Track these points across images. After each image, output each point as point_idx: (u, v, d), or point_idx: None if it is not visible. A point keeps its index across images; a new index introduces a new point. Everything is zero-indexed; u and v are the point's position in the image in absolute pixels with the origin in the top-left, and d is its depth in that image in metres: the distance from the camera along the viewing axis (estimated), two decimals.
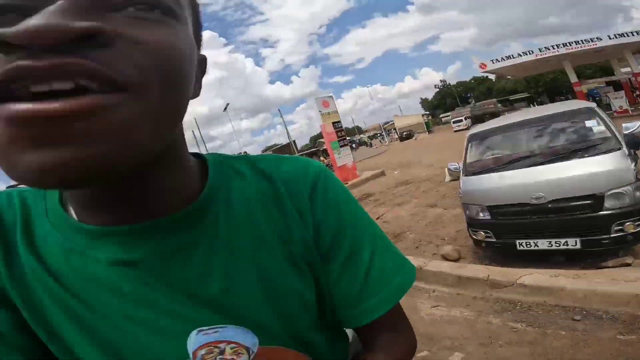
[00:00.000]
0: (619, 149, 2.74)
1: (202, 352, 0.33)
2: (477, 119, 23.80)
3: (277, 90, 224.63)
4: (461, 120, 30.59)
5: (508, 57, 17.53)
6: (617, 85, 16.79)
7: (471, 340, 2.15)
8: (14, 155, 0.21)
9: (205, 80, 0.38)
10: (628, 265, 2.64)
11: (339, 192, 0.42)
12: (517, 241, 2.92)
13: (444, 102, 70.80)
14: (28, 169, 0.21)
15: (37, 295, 0.31)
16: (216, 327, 0.34)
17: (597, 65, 27.32)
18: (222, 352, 0.34)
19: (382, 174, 11.65)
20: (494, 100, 43.52)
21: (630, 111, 13.82)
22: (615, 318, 2.02)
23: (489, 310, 2.43)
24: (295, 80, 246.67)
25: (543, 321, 2.16)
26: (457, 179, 3.91)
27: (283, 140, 64.07)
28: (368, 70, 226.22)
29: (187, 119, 0.34)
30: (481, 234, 3.13)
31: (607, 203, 2.58)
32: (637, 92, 15.63)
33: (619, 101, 14.67)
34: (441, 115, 59.92)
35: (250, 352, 0.35)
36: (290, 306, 0.37)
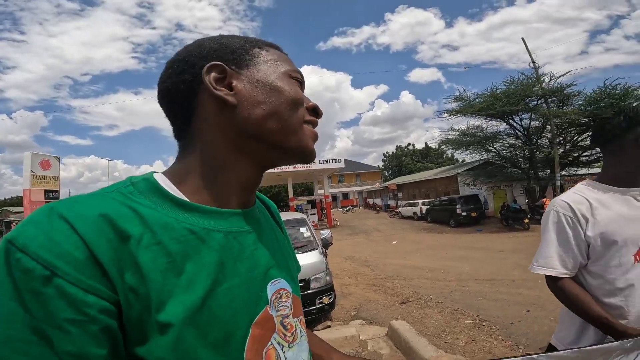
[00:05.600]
0: (317, 248, 4.15)
1: (273, 297, 0.48)
2: None
3: None
4: None
5: None
6: (313, 203, 23.71)
7: None
8: (313, 146, 0.51)
9: None
10: (329, 327, 3.83)
11: None
12: None
13: None
14: (313, 151, 0.51)
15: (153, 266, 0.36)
16: (277, 280, 0.50)
17: (304, 185, 37.41)
18: (281, 296, 0.50)
19: None
20: None
21: (317, 224, 19.64)
22: None
23: None
24: (2, 120, 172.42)
25: None
26: None
27: None
28: (115, 141, 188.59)
29: None
30: None
31: (312, 284, 3.75)
32: (324, 210, 22.40)
33: (313, 216, 20.71)
34: None
35: (291, 296, 0.52)
36: (296, 270, 0.62)
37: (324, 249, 4.32)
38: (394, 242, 12.08)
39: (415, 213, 21.18)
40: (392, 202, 30.89)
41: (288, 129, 0.47)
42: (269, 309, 0.47)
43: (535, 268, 1.12)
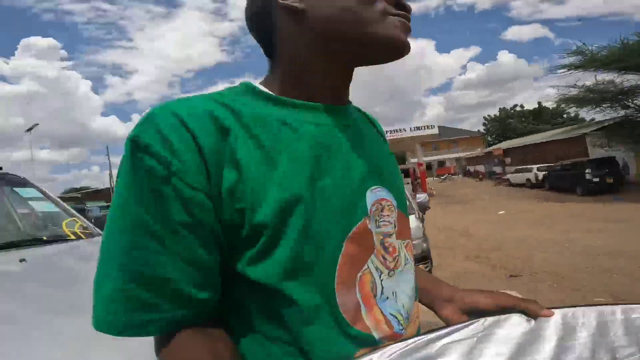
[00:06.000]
0: (413, 213, 4.00)
1: (374, 208, 0.41)
2: None
3: (109, 125, 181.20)
4: None
5: None
6: (406, 172, 23.02)
7: None
8: (404, 37, 0.42)
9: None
10: None
11: None
12: None
13: None
14: (406, 43, 0.42)
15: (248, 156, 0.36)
16: (378, 187, 0.43)
17: (395, 154, 36.50)
18: (382, 208, 0.43)
19: None
20: None
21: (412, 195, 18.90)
22: None
23: None
24: (136, 119, 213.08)
25: None
26: None
27: (98, 185, 51.86)
28: None
29: None
30: None
31: None
32: (418, 179, 21.54)
33: (407, 186, 20.04)
34: None
35: (396, 210, 0.45)
36: (402, 187, 0.50)
37: (421, 214, 4.14)
38: (501, 212, 10.89)
39: (528, 180, 18.55)
40: (498, 169, 27.69)
41: (365, 20, 0.40)
42: (367, 221, 0.40)
43: None
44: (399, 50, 0.43)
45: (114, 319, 0.32)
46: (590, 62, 12.51)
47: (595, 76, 13.04)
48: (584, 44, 12.77)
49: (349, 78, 0.47)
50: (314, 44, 0.43)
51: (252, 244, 0.35)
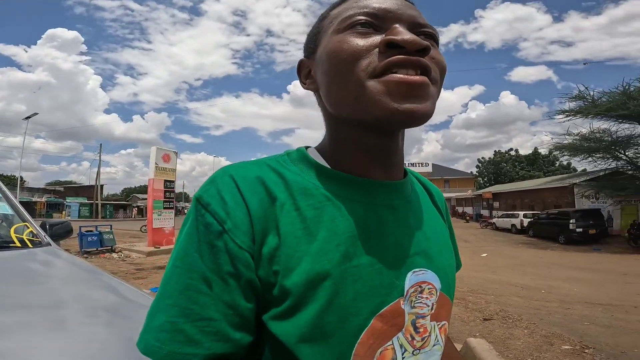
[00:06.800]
0: None
1: (412, 290, 0.40)
2: None
3: (109, 123, 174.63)
4: None
5: None
6: None
7: None
8: (403, 102, 0.35)
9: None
10: None
11: None
12: None
13: None
14: (414, 111, 0.35)
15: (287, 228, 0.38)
16: (422, 270, 0.42)
17: None
18: (422, 291, 0.41)
19: None
20: None
21: None
22: None
23: None
24: (137, 121, 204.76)
25: None
26: None
27: (84, 180, 50.20)
28: (220, 140, 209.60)
29: None
30: None
31: None
32: None
33: None
34: None
35: (437, 294, 0.43)
36: (451, 267, 0.49)
37: None
38: (484, 255, 10.84)
39: (513, 225, 18.83)
40: (485, 212, 27.93)
41: (348, 98, 0.38)
42: (402, 302, 0.40)
43: None
44: (388, 123, 0.38)
45: (160, 346, 0.35)
46: (590, 108, 12.41)
47: (591, 124, 13.03)
48: (586, 88, 12.77)
49: (392, 152, 0.44)
50: (334, 121, 0.44)
51: (279, 303, 0.37)
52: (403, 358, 0.39)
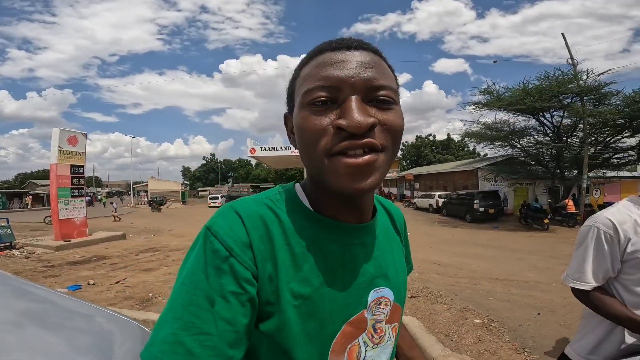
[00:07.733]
0: None
1: (373, 303, 0.54)
2: (231, 199, 26.31)
3: None
4: (217, 198, 32.64)
5: (273, 148, 20.05)
6: None
7: None
8: (350, 183, 0.44)
9: None
10: None
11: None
12: None
13: (207, 176, 70.65)
14: (359, 189, 0.43)
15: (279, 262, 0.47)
16: (381, 288, 0.55)
17: None
18: (380, 303, 0.55)
19: (123, 237, 10.44)
20: (249, 185, 49.60)
21: None
22: None
23: None
24: (32, 98, 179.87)
25: None
26: None
27: None
28: (139, 119, 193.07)
29: None
30: None
31: None
32: None
33: None
34: (199, 189, 60.79)
35: (391, 304, 0.56)
36: (403, 281, 0.62)
37: None
38: (408, 234, 11.91)
39: (430, 205, 20.91)
40: (408, 193, 30.52)
41: (314, 169, 0.48)
42: (365, 312, 0.53)
43: (569, 281, 1.16)
44: (346, 197, 0.49)
45: (162, 358, 0.39)
46: (494, 102, 14.34)
47: (495, 115, 15.19)
48: (493, 83, 14.91)
49: (363, 201, 0.53)
50: (309, 172, 0.51)
51: (272, 316, 0.46)
52: (366, 351, 0.54)
